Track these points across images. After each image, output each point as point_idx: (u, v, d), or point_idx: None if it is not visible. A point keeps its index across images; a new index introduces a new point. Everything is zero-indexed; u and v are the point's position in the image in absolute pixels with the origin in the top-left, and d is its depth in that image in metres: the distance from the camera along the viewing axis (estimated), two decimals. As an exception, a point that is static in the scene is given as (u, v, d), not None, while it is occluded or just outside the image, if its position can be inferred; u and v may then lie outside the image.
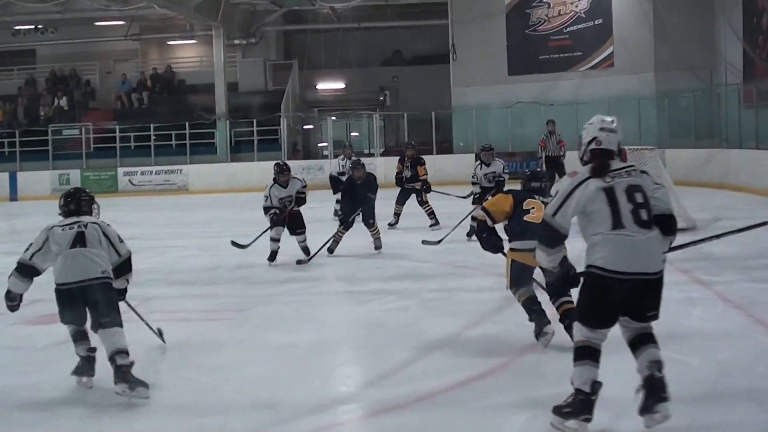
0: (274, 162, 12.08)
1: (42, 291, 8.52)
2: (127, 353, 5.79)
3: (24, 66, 36.92)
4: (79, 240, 6.09)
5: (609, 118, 5.51)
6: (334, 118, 33.40)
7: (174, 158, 29.67)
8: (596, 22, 27.64)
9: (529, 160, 24.30)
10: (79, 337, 6.17)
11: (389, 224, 14.86)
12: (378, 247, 12.33)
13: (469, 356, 6.39)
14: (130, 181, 29.20)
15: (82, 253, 6.04)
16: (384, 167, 26.02)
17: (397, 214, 15.29)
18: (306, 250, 11.57)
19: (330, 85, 37.02)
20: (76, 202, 6.37)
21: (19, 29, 35.47)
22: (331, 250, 11.96)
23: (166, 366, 6.60)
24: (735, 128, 22.09)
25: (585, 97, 27.08)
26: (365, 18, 34.26)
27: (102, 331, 5.90)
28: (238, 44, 33.63)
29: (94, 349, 6.13)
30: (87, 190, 6.75)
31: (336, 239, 12.01)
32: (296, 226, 11.60)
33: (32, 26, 35.23)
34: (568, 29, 28.26)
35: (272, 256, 11.46)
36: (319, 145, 34.98)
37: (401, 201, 15.32)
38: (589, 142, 5.24)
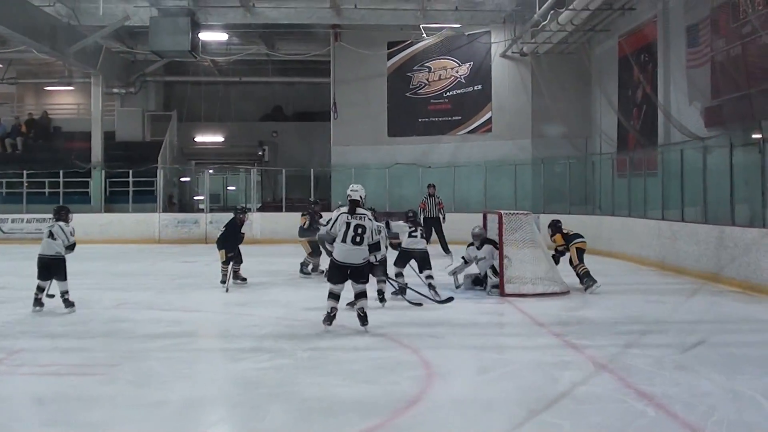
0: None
1: None
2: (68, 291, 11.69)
3: None
4: (49, 234, 11.84)
5: (357, 186, 10.90)
6: (211, 171, 33.18)
7: (47, 206, 28.74)
8: (476, 88, 28.41)
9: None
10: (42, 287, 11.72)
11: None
12: None
13: (343, 416, 6.43)
14: (0, 228, 28.31)
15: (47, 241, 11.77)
16: (260, 222, 26.06)
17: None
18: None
19: (209, 138, 36.85)
20: (56, 212, 12.13)
21: None
22: None
23: (36, 421, 6.44)
24: (608, 196, 22.90)
25: (463, 161, 27.80)
26: (246, 72, 34.46)
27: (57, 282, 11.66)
28: (117, 93, 33.30)
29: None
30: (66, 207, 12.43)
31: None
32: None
33: None
34: (448, 93, 28.96)
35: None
36: (195, 198, 34.68)
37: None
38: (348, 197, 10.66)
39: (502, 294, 13.06)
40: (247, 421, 6.45)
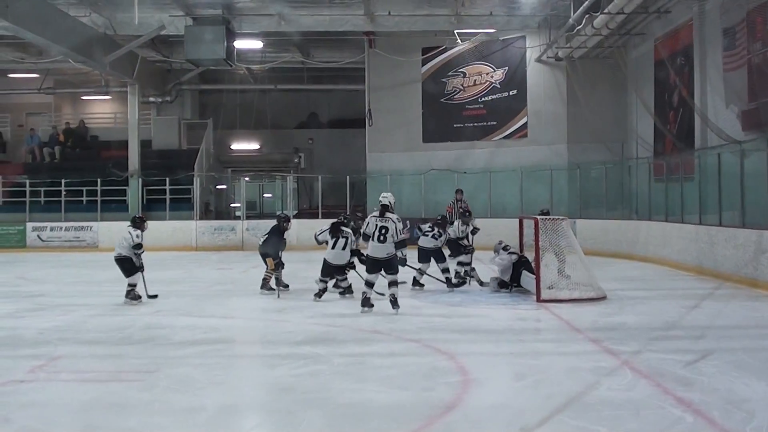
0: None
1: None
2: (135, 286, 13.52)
3: (-65, 116, 36.20)
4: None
5: (387, 193, 12.88)
6: (247, 179, 33.37)
7: (84, 214, 29.19)
8: (511, 93, 28.35)
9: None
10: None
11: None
12: None
13: (378, 422, 6.41)
14: (38, 236, 28.63)
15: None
16: (297, 229, 26.11)
17: None
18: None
19: (244, 146, 37.06)
20: (131, 220, 14.14)
21: (-71, 80, 34.80)
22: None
23: (74, 427, 6.48)
24: (645, 200, 22.72)
25: (498, 166, 27.72)
26: (282, 80, 34.60)
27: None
28: (153, 102, 33.54)
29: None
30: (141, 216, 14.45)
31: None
32: None
33: (-58, 76, 34.63)
34: (483, 99, 28.91)
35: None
36: (232, 205, 34.86)
37: None
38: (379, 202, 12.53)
39: (539, 300, 13.01)
40: (282, 427, 6.45)
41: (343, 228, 14.05)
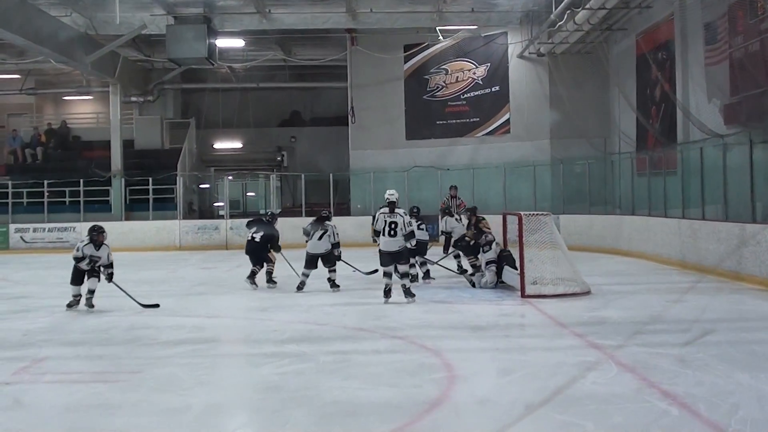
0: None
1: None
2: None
3: None
4: None
5: (392, 191, 13.50)
6: (230, 177, 33.30)
7: (68, 215, 29.04)
8: (493, 90, 28.39)
9: (426, 223, 24.58)
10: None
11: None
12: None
13: (365, 419, 6.42)
14: (21, 237, 28.46)
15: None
16: (281, 228, 26.00)
17: None
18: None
19: (227, 144, 36.95)
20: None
21: None
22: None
23: (60, 429, 6.45)
24: (628, 195, 22.81)
25: (481, 162, 27.78)
26: (264, 78, 34.51)
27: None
28: (135, 101, 33.31)
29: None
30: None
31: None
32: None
33: (-77, 78, 34.42)
34: (465, 95, 28.95)
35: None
36: (215, 204, 34.76)
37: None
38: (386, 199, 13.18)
39: (523, 295, 13.03)
40: (268, 425, 6.45)
41: (327, 222, 14.97)
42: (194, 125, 34.82)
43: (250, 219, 16.79)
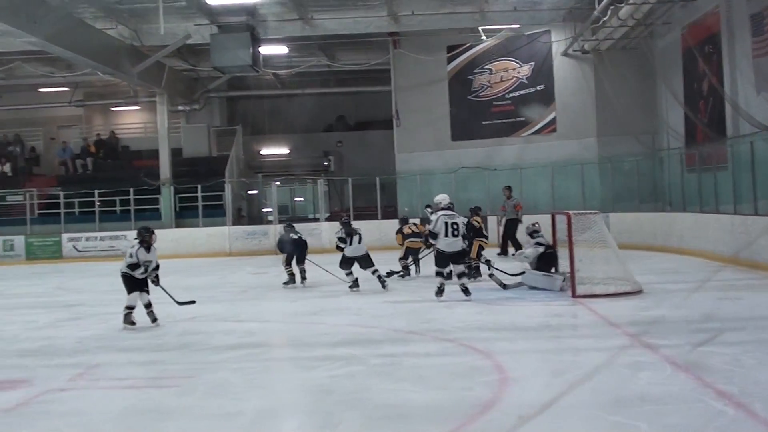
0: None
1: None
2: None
3: (-32, 132, 36.65)
4: None
5: (445, 195, 14.05)
6: (278, 183, 33.44)
7: (118, 224, 29.41)
8: (538, 88, 28.21)
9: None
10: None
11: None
12: None
13: (416, 422, 6.39)
14: (74, 246, 28.87)
15: None
16: (329, 232, 26.16)
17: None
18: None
19: (274, 151, 37.16)
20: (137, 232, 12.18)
21: (-38, 95, 35.32)
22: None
23: (113, 436, 6.53)
24: (678, 192, 22.51)
25: (528, 162, 27.60)
26: (308, 84, 34.66)
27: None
28: (182, 110, 33.67)
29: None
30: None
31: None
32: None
33: (-24, 93, 35.12)
34: (510, 95, 28.80)
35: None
36: (264, 210, 34.96)
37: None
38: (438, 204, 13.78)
39: (574, 295, 12.91)
40: (320, 428, 6.43)
41: (354, 227, 15.76)
42: (241, 132, 35.13)
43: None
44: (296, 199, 40.15)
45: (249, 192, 34.85)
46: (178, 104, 32.90)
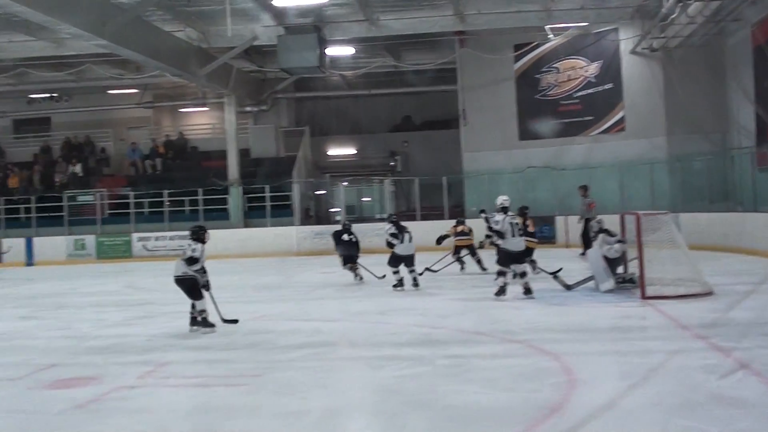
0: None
1: (59, 355, 8.66)
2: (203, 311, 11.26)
3: (39, 134, 37.49)
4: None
5: (506, 197, 14.01)
6: (346, 183, 33.57)
7: (187, 224, 29.55)
8: (606, 87, 27.87)
9: (542, 224, 24.27)
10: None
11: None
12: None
13: (483, 424, 6.36)
14: (144, 246, 29.32)
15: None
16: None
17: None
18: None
19: (341, 151, 37.32)
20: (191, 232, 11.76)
21: (35, 98, 36.58)
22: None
23: (182, 432, 6.61)
24: (749, 191, 22.10)
25: (596, 162, 27.24)
26: (374, 85, 34.73)
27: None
28: (250, 111, 34.03)
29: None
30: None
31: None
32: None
33: (47, 95, 36.29)
34: (578, 94, 28.49)
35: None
36: (331, 210, 35.12)
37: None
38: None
39: (643, 297, 12.73)
40: (386, 429, 6.45)
41: (403, 225, 16.15)
42: (308, 133, 35.38)
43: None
44: (363, 199, 40.27)
45: (317, 192, 35.04)
46: (246, 105, 33.25)
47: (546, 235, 25.34)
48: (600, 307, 12.42)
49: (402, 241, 15.64)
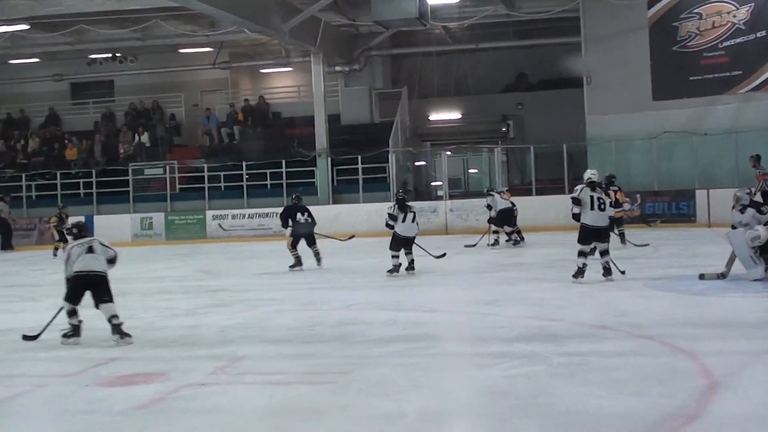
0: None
1: (122, 349, 8.87)
2: (117, 317, 10.22)
3: (101, 99, 38.30)
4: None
5: (594, 170, 14.79)
6: (449, 153, 33.52)
7: (269, 200, 30.03)
8: (759, 35, 27.07)
9: (680, 200, 23.87)
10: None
11: None
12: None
13: (606, 432, 6.32)
14: (219, 225, 29.73)
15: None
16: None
17: None
18: None
19: (444, 116, 37.27)
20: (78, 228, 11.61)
21: (95, 58, 36.74)
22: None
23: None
24: None
25: (746, 125, 26.53)
26: (484, 38, 34.44)
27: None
28: (340, 71, 34.04)
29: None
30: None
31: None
32: None
33: (109, 55, 36.40)
34: (724, 44, 27.77)
35: None
36: (433, 184, 35.10)
37: None
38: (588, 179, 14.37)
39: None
40: (493, 437, 6.45)
41: (408, 204, 16.79)
42: (406, 95, 35.28)
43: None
44: (470, 170, 40.19)
45: (416, 163, 35.07)
46: (336, 64, 33.33)
47: (684, 213, 24.91)
48: (746, 299, 12.18)
49: (403, 221, 16.21)
